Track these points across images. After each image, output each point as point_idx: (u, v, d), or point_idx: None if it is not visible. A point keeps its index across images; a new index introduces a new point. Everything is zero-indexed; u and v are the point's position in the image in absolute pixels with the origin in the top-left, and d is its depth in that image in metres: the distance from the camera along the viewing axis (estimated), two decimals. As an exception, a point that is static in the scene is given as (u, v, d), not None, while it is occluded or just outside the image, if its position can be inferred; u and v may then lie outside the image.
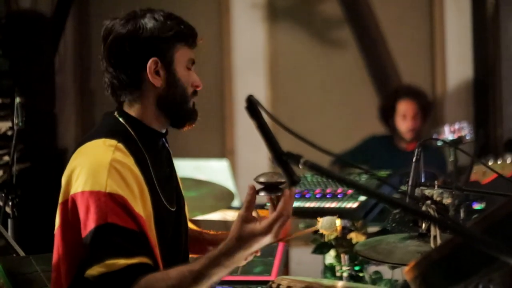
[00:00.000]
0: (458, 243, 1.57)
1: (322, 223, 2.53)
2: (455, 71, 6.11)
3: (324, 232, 2.64)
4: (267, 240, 2.00)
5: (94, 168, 2.14)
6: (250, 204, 2.02)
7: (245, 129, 6.27)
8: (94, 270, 2.05)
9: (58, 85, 6.42)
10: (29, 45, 5.93)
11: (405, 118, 5.25)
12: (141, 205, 2.16)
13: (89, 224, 2.09)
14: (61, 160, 5.74)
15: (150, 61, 2.28)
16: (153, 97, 2.31)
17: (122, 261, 2.04)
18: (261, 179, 2.04)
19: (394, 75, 6.21)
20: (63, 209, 2.18)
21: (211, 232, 2.69)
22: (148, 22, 2.28)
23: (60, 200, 2.20)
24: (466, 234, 1.54)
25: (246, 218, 2.01)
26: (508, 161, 4.41)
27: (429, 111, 5.36)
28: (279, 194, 2.02)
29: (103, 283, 2.06)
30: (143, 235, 2.12)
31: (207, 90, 7.08)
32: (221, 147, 6.55)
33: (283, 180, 2.00)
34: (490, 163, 4.46)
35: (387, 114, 5.37)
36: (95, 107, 6.74)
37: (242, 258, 2.06)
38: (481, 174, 4.48)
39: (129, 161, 2.18)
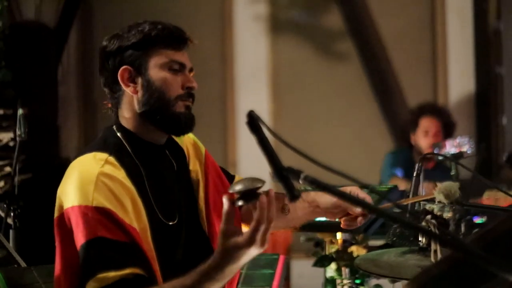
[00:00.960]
0: (457, 258, 1.56)
1: (440, 189, 2.44)
2: (457, 85, 6.12)
3: (443, 200, 2.54)
4: (254, 250, 1.95)
5: (82, 182, 2.12)
6: (229, 217, 1.95)
7: (247, 141, 6.27)
8: (90, 286, 2.04)
9: (61, 96, 6.44)
10: (33, 56, 5.95)
11: (427, 134, 5.24)
12: (134, 217, 2.13)
13: (79, 239, 2.08)
14: (63, 171, 5.75)
15: (121, 69, 2.25)
16: (136, 106, 2.27)
17: (113, 274, 2.02)
18: (237, 188, 1.92)
19: (396, 88, 6.22)
20: (59, 224, 2.17)
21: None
22: (119, 34, 2.29)
23: (56, 214, 2.19)
24: (465, 250, 1.53)
25: (227, 232, 1.95)
26: (516, 189, 4.42)
27: (451, 130, 5.35)
28: (256, 201, 1.92)
29: None
30: (135, 246, 2.09)
31: (209, 102, 7.16)
32: (223, 159, 6.56)
33: (259, 185, 1.91)
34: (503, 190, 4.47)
35: (408, 129, 5.38)
36: (98, 118, 6.75)
37: (233, 270, 2.01)
38: (494, 200, 4.48)
39: (120, 174, 2.16)
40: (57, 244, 2.20)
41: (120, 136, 2.28)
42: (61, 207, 2.16)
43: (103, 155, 2.18)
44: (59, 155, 6.37)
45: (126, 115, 2.29)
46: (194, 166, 2.47)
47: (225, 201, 1.94)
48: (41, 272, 3.08)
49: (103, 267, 2.04)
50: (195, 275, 1.99)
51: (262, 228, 1.92)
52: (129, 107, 2.28)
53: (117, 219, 2.08)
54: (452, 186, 2.49)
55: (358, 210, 2.55)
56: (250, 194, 1.92)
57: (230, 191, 1.93)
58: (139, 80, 2.26)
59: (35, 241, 4.68)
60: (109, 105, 2.35)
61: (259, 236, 1.92)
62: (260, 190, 1.94)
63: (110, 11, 6.64)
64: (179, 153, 2.45)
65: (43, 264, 2.93)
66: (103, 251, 2.05)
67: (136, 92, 2.26)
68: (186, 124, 2.30)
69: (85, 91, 6.81)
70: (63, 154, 6.42)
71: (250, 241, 1.92)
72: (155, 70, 2.26)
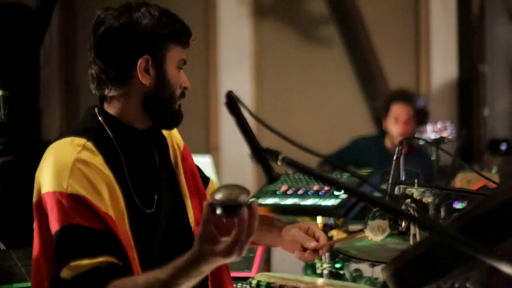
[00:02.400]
0: (435, 241, 1.58)
1: (371, 226, 2.47)
2: (439, 71, 6.14)
3: (373, 238, 2.59)
4: (230, 259, 1.90)
5: (57, 168, 2.10)
6: (207, 223, 1.87)
7: (229, 126, 6.27)
8: (64, 273, 2.03)
9: (43, 78, 6.40)
10: (14, 38, 5.90)
11: (397, 121, 5.22)
12: (111, 204, 2.11)
13: (53, 225, 2.07)
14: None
15: (141, 58, 2.20)
16: (140, 95, 2.23)
17: (86, 262, 2.01)
18: (217, 197, 1.83)
19: (379, 74, 6.24)
20: (37, 208, 2.15)
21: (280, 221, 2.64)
22: (143, 17, 2.20)
23: (34, 199, 2.17)
24: (442, 233, 1.54)
25: (204, 238, 1.88)
26: (494, 170, 4.44)
27: (425, 117, 5.34)
28: (237, 216, 1.83)
29: (74, 286, 2.03)
30: (111, 234, 2.07)
31: (192, 86, 7.09)
32: (205, 143, 6.56)
33: (241, 200, 1.82)
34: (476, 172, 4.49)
35: (379, 115, 5.37)
36: (80, 101, 6.73)
37: (209, 269, 1.96)
38: (466, 181, 4.50)
39: (97, 160, 2.13)
40: (35, 227, 2.18)
41: (101, 120, 2.24)
42: (38, 191, 2.15)
43: (81, 141, 2.15)
44: (41, 138, 6.34)
45: (121, 97, 2.25)
46: (174, 156, 2.45)
47: (204, 207, 1.87)
48: (20, 255, 3.08)
49: (76, 255, 2.02)
50: (170, 270, 1.95)
51: (242, 239, 1.86)
52: (129, 92, 2.24)
53: (92, 206, 2.06)
54: (381, 224, 2.53)
55: (312, 245, 2.54)
56: (230, 208, 1.83)
57: (211, 200, 1.85)
58: (154, 73, 2.23)
59: (14, 223, 4.67)
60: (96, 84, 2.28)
61: (237, 248, 1.87)
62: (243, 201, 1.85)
63: (93, -6, 6.62)
64: (161, 140, 2.42)
65: (22, 246, 2.93)
66: (76, 239, 2.04)
67: (148, 83, 2.22)
68: (178, 122, 2.33)
69: (67, 74, 6.79)
70: (45, 137, 6.40)
71: (227, 252, 1.87)
72: (170, 66, 2.25)
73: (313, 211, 3.33)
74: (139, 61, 2.20)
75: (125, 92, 2.24)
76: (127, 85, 2.23)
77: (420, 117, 5.27)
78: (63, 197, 2.06)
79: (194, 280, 1.96)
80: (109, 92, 2.25)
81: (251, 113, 1.90)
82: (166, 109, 2.28)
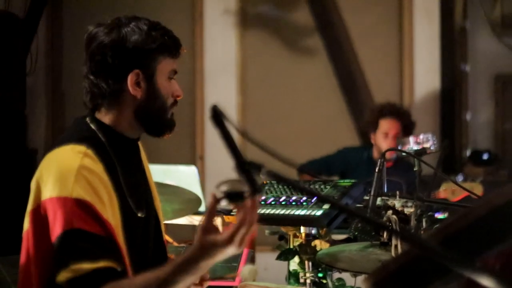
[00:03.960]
0: (415, 253, 1.58)
1: (242, 272, 2.53)
2: (422, 82, 6.17)
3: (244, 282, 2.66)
4: (231, 250, 1.96)
5: (61, 174, 2.13)
6: (211, 214, 1.99)
7: (215, 135, 6.29)
8: (62, 276, 2.05)
9: (29, 86, 6.40)
10: (1, 46, 5.92)
11: (386, 136, 5.23)
12: (110, 212, 2.15)
13: (56, 229, 2.08)
14: (31, 161, 5.73)
15: (132, 73, 2.25)
16: (132, 107, 2.28)
17: (87, 265, 2.04)
18: (223, 188, 1.98)
19: (363, 84, 6.26)
20: (34, 215, 2.17)
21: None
22: (132, 32, 2.25)
23: (31, 206, 2.18)
24: (421, 245, 1.56)
25: (206, 228, 1.97)
26: (477, 181, 4.48)
27: (411, 130, 5.36)
28: (241, 203, 1.94)
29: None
30: (111, 240, 2.11)
31: (178, 95, 7.09)
32: (191, 153, 6.57)
33: (245, 190, 1.93)
34: (459, 183, 4.54)
35: (368, 129, 5.38)
36: (66, 109, 6.74)
37: (208, 265, 2.02)
38: (450, 192, 4.55)
39: (98, 168, 2.17)
40: (28, 234, 2.19)
41: (94, 129, 2.28)
42: (37, 198, 2.16)
43: (81, 148, 2.18)
44: (26, 145, 6.34)
45: (114, 111, 2.29)
46: (146, 165, 2.51)
47: (209, 198, 1.96)
48: (5, 263, 3.10)
49: (78, 258, 2.05)
50: (169, 268, 2.00)
51: (243, 230, 1.93)
52: (122, 104, 2.28)
53: (96, 212, 2.10)
54: (250, 269, 2.63)
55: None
56: (235, 196, 1.94)
57: (217, 190, 1.96)
58: (145, 85, 2.27)
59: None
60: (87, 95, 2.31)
61: (238, 237, 1.93)
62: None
63: (79, 3, 6.62)
64: (140, 149, 2.47)
65: (7, 255, 2.94)
66: (78, 243, 2.07)
67: (139, 95, 2.27)
68: (172, 130, 2.38)
69: (53, 81, 6.79)
70: (30, 144, 6.40)
71: (228, 241, 1.93)
72: (160, 78, 2.30)
73: (297, 221, 3.35)
74: (130, 76, 2.25)
75: (117, 104, 2.29)
76: (119, 98, 2.27)
77: (408, 131, 5.29)
78: (67, 201, 2.09)
79: (193, 278, 2.02)
80: (102, 105, 2.30)
81: (235, 127, 1.94)
82: (159, 119, 2.33)
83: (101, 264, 2.06)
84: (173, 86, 2.34)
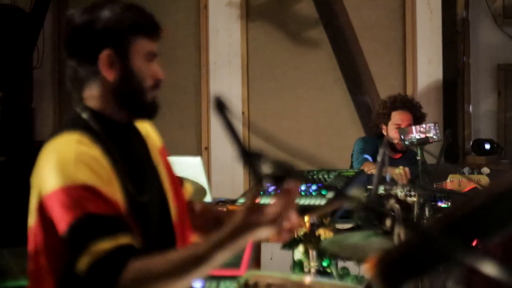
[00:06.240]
0: (417, 242, 1.62)
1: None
2: (425, 72, 6.18)
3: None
4: (273, 229, 1.97)
5: (60, 164, 2.11)
6: (256, 194, 1.99)
7: (220, 126, 6.32)
8: (82, 263, 2.02)
9: (36, 80, 6.45)
10: (8, 40, 5.96)
11: (399, 127, 5.26)
12: (115, 193, 2.13)
13: (65, 219, 2.06)
14: (38, 154, 5.76)
15: (103, 53, 2.21)
16: (109, 89, 2.25)
17: (107, 244, 2.01)
18: (265, 169, 1.92)
19: (366, 75, 6.27)
20: (39, 211, 2.16)
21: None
22: (104, 13, 2.21)
23: (35, 199, 2.17)
24: (422, 233, 1.60)
25: (251, 208, 1.96)
26: (484, 173, 4.51)
27: (421, 121, 5.39)
28: (282, 186, 1.94)
29: (94, 274, 2.03)
30: (122, 217, 2.09)
31: (184, 87, 7.19)
32: (196, 144, 6.60)
33: (288, 172, 1.91)
34: (466, 174, 4.56)
35: (380, 120, 5.41)
36: (72, 102, 6.77)
37: (246, 242, 2.01)
38: (458, 183, 4.58)
39: (95, 152, 2.15)
40: (37, 232, 2.18)
41: (86, 117, 2.25)
42: (40, 191, 2.15)
43: (75, 136, 2.17)
44: (33, 138, 6.39)
45: (95, 94, 2.26)
46: (153, 150, 2.46)
47: (254, 181, 1.98)
48: (13, 254, 3.14)
49: (95, 238, 2.02)
50: (208, 244, 1.99)
51: (285, 210, 1.96)
52: (100, 88, 2.25)
53: (101, 193, 2.08)
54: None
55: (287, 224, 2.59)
56: (278, 177, 1.92)
57: (262, 171, 1.91)
58: (118, 66, 2.23)
59: (7, 223, 4.73)
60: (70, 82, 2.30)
61: (280, 217, 1.95)
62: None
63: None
64: (138, 133, 2.43)
65: (15, 246, 2.98)
66: (92, 225, 2.04)
67: (113, 77, 2.23)
68: (155, 112, 2.34)
69: (60, 75, 6.81)
70: (38, 138, 6.44)
71: (272, 220, 1.95)
72: (135, 59, 2.25)
73: (301, 210, 3.39)
74: (101, 56, 2.21)
75: (96, 87, 2.25)
76: (96, 81, 2.25)
77: (419, 122, 5.30)
78: (72, 189, 2.06)
79: (229, 254, 2.01)
80: (85, 90, 2.28)
81: (237, 118, 1.96)
82: (137, 101, 2.28)
83: (121, 240, 2.03)
84: (152, 68, 2.29)
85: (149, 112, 2.33)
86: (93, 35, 2.22)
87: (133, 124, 2.40)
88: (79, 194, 2.07)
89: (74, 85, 2.29)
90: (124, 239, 2.04)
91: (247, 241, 2.00)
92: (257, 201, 1.99)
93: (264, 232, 1.98)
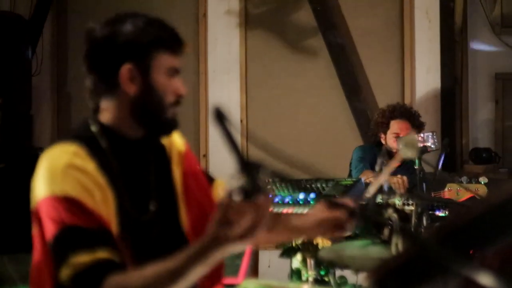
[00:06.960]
0: (415, 251, 1.63)
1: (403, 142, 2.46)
2: (423, 81, 6.19)
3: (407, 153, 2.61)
4: (244, 243, 1.91)
5: (50, 174, 2.11)
6: (226, 207, 1.89)
7: (219, 134, 6.32)
8: (63, 274, 2.03)
9: (34, 86, 6.45)
10: (7, 46, 5.96)
11: (397, 137, 5.26)
12: (104, 209, 2.11)
13: (49, 229, 2.08)
14: (37, 161, 5.76)
15: (124, 67, 2.18)
16: (128, 104, 2.22)
17: (85, 257, 2.02)
18: (237, 182, 1.89)
19: (365, 84, 6.28)
20: (35, 215, 2.17)
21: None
22: (126, 27, 2.19)
23: (32, 206, 2.18)
24: (419, 242, 1.60)
25: (221, 222, 1.89)
26: (482, 182, 4.51)
27: (420, 131, 5.39)
28: (254, 199, 1.88)
29: (74, 286, 2.03)
30: (105, 232, 2.08)
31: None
32: (195, 151, 6.60)
33: (259, 186, 1.89)
34: (464, 183, 4.56)
35: (378, 129, 5.41)
36: (72, 109, 6.78)
37: (219, 256, 1.95)
38: (455, 192, 4.59)
39: (89, 166, 2.13)
40: (36, 236, 2.19)
41: (94, 130, 2.24)
42: (34, 200, 2.16)
43: (72, 147, 2.16)
44: (32, 145, 6.39)
45: (112, 108, 2.24)
46: (174, 159, 2.44)
47: (224, 193, 1.89)
48: (12, 261, 3.14)
49: (74, 251, 2.02)
50: (180, 258, 1.96)
51: (256, 224, 1.88)
52: (118, 102, 2.23)
53: (85, 207, 2.07)
54: (412, 138, 2.57)
55: (344, 214, 2.53)
56: (248, 192, 1.89)
57: (230, 184, 1.89)
58: (139, 81, 2.21)
59: (7, 230, 4.73)
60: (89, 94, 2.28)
61: (251, 231, 1.88)
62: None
63: (84, 4, 6.66)
64: (158, 149, 2.41)
65: (15, 253, 2.98)
66: (73, 237, 2.04)
67: (133, 92, 2.21)
68: (173, 129, 2.33)
69: (59, 82, 6.81)
70: (36, 144, 6.44)
71: (242, 234, 1.88)
72: (157, 74, 2.22)
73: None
74: (122, 70, 2.18)
75: (114, 101, 2.23)
76: (116, 95, 2.22)
77: (418, 132, 5.31)
78: (55, 201, 2.06)
79: (204, 269, 1.97)
80: (101, 103, 2.26)
81: (236, 129, 1.95)
82: (156, 117, 2.26)
83: (99, 254, 2.03)
84: (174, 83, 2.26)
85: (167, 129, 2.31)
86: (115, 49, 2.20)
87: (147, 140, 2.34)
88: (61, 206, 2.06)
89: (92, 97, 2.28)
90: (102, 254, 2.04)
91: (221, 255, 1.95)
92: (231, 215, 1.89)
93: (235, 247, 1.93)
